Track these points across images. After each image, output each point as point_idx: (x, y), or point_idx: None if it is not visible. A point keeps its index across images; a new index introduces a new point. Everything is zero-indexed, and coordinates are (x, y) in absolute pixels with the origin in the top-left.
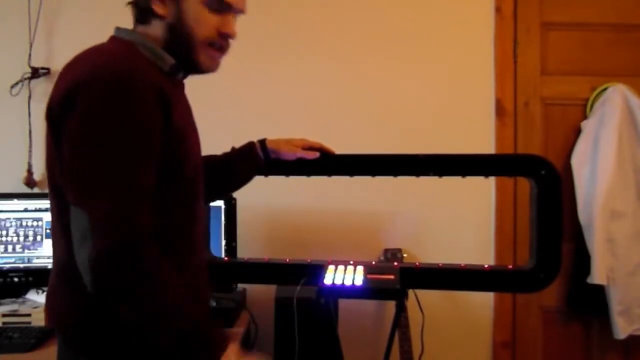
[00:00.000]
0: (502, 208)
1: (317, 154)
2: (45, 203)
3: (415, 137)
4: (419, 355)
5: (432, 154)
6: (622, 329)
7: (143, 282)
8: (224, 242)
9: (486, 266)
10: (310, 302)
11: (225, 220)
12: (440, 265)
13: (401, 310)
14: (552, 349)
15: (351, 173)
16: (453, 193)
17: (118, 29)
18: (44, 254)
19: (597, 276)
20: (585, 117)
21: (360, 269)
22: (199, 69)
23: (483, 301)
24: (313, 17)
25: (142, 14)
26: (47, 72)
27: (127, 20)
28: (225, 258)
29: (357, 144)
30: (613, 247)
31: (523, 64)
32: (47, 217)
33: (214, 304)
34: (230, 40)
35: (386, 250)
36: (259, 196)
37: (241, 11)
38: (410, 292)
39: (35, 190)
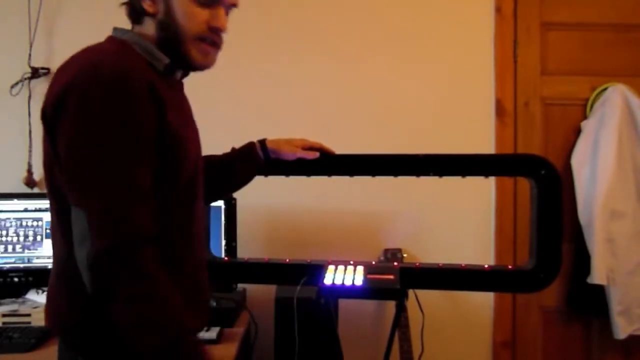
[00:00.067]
0: (502, 208)
1: (317, 154)
2: (45, 203)
3: (415, 137)
4: (419, 355)
5: (432, 154)
6: (622, 329)
7: (140, 282)
8: (224, 242)
9: (486, 266)
10: (310, 302)
11: (225, 220)
12: (440, 265)
13: (401, 310)
14: (552, 349)
15: (351, 173)
16: (453, 193)
17: (115, 29)
18: (44, 254)
19: (597, 276)
20: (585, 117)
21: (360, 269)
22: (192, 65)
23: (483, 301)
24: (313, 17)
25: (135, 13)
26: (47, 72)
27: (126, 20)
28: (225, 258)
29: (357, 144)
30: (613, 247)
31: (523, 64)
32: (47, 217)
33: (214, 304)
34: (224, 35)
35: (386, 250)
36: (259, 196)
37: (232, 4)
38: (410, 292)
39: (35, 190)
